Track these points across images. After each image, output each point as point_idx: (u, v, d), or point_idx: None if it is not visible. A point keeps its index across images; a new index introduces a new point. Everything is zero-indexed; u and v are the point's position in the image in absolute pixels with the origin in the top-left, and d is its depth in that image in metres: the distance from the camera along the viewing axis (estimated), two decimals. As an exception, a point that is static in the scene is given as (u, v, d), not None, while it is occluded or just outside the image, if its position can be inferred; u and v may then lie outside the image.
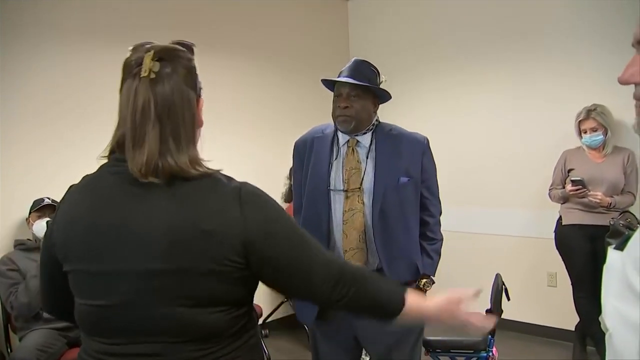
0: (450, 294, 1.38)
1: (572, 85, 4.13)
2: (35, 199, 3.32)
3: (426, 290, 2.40)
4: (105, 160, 1.19)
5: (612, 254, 0.84)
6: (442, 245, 2.47)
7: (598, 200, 3.58)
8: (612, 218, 3.43)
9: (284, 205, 4.38)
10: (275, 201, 1.22)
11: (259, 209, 1.15)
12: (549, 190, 3.96)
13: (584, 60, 4.06)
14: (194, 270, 1.09)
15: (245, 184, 1.18)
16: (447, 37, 4.87)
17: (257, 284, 1.22)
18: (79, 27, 3.74)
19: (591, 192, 3.60)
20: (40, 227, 3.13)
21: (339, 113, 2.26)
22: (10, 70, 3.45)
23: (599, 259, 3.57)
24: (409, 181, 2.29)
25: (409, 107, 5.06)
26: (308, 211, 2.33)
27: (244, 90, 4.70)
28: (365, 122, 2.29)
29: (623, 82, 0.85)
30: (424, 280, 2.39)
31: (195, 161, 1.14)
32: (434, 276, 2.43)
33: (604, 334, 0.84)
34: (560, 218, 3.89)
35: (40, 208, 3.25)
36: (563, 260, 3.87)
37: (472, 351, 2.98)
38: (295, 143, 2.48)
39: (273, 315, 4.72)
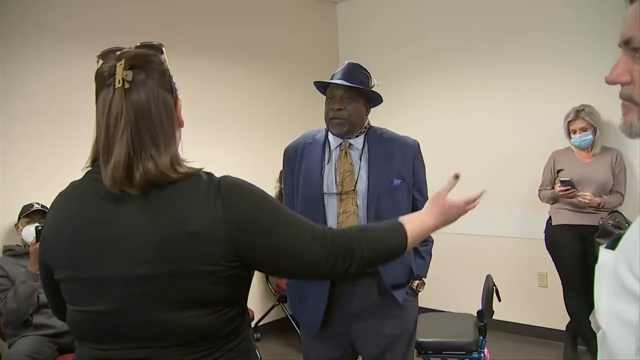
0: (432, 196, 1.45)
1: (561, 86, 4.15)
2: (24, 204, 3.29)
3: (419, 292, 2.41)
4: (89, 169, 1.19)
5: (603, 253, 0.85)
6: (432, 246, 2.48)
7: (587, 201, 3.61)
8: (601, 218, 3.46)
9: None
10: (257, 187, 1.21)
11: (239, 197, 1.15)
12: (539, 190, 3.99)
13: (573, 61, 4.09)
14: (183, 272, 1.09)
15: (225, 177, 1.18)
16: (436, 39, 4.89)
17: (250, 282, 1.22)
18: (77, 29, 3.74)
19: (580, 193, 3.63)
20: (29, 232, 3.10)
21: (333, 115, 2.26)
22: (10, 71, 3.45)
23: (589, 259, 3.60)
24: (402, 183, 2.30)
25: (399, 109, 5.07)
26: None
27: (233, 93, 4.69)
28: (358, 124, 2.30)
29: (610, 81, 0.86)
30: (417, 282, 2.39)
31: (177, 162, 1.14)
32: (425, 277, 2.43)
33: (594, 334, 0.84)
34: (550, 218, 3.92)
35: (29, 213, 3.22)
36: (553, 260, 3.89)
37: (463, 352, 2.98)
38: (286, 149, 2.48)
39: (265, 319, 4.71)
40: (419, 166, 2.40)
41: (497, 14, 4.49)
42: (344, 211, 2.26)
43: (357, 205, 2.26)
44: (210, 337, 1.14)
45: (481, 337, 3.04)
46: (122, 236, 1.10)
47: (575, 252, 3.72)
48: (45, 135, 3.60)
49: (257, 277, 4.57)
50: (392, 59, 5.17)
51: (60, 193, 1.24)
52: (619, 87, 0.86)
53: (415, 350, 3.03)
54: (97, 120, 1.14)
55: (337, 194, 2.27)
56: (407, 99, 5.08)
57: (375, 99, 2.35)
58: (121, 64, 1.10)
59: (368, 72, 2.35)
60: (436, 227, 1.40)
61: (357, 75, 2.29)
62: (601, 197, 3.65)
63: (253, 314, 4.15)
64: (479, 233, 4.66)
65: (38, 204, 3.26)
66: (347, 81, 2.24)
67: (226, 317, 1.15)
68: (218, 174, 1.20)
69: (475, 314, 3.15)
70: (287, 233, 1.17)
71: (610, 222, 3.34)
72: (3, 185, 3.40)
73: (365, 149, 2.32)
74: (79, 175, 1.24)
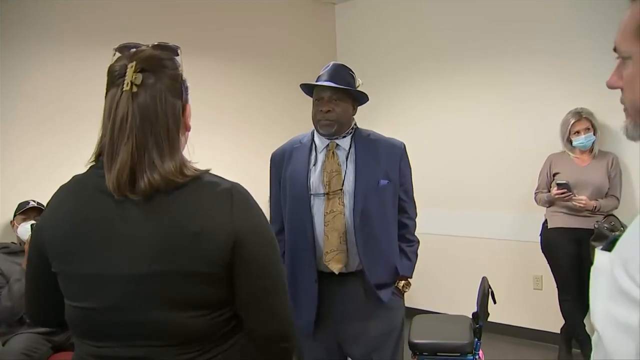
0: None
1: (559, 88, 4.16)
2: (20, 201, 3.29)
3: (404, 292, 2.43)
4: (93, 163, 1.18)
5: (600, 255, 0.85)
6: (418, 247, 2.50)
7: (582, 205, 3.62)
8: (597, 221, 3.47)
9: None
10: (260, 209, 1.21)
11: (249, 212, 1.16)
12: (535, 194, 4.00)
13: (571, 64, 4.10)
14: (184, 273, 1.09)
15: (236, 184, 1.18)
16: (434, 41, 4.90)
17: None
18: (76, 29, 3.75)
19: (576, 197, 3.64)
20: (25, 230, 3.10)
21: (321, 117, 2.29)
22: (9, 70, 3.45)
23: (584, 262, 3.61)
24: (388, 184, 2.33)
25: (397, 110, 5.09)
26: (291, 219, 2.35)
27: (231, 94, 4.69)
28: (346, 125, 2.34)
29: (609, 86, 0.89)
30: (403, 282, 2.41)
31: (183, 165, 1.13)
32: (411, 278, 2.45)
33: (589, 337, 0.85)
34: (545, 221, 3.92)
35: (25, 211, 3.22)
36: (549, 263, 3.90)
37: (458, 354, 2.99)
38: (272, 154, 2.51)
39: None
40: (405, 167, 2.43)
41: (496, 14, 4.50)
42: (330, 210, 2.28)
43: (344, 205, 2.29)
44: (206, 338, 1.14)
45: (476, 339, 3.05)
46: (123, 234, 1.10)
47: (570, 255, 3.73)
48: (43, 133, 3.60)
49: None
50: (390, 60, 5.18)
51: (61, 186, 1.23)
52: (615, 91, 0.89)
53: (410, 352, 3.04)
54: (103, 120, 1.14)
55: (324, 194, 2.29)
56: (405, 100, 5.09)
57: (361, 99, 2.39)
58: (132, 66, 1.10)
59: (353, 72, 2.38)
60: None
61: (343, 75, 2.31)
62: (597, 200, 3.66)
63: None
64: (475, 235, 4.67)
65: (34, 201, 3.25)
66: (334, 82, 2.27)
67: (223, 319, 1.15)
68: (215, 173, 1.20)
69: (471, 316, 3.15)
70: (275, 272, 1.19)
71: (606, 225, 3.36)
72: (1, 183, 3.39)
73: (352, 149, 2.35)
74: (77, 172, 1.24)
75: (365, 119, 4.56)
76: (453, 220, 4.78)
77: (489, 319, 3.23)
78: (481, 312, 3.07)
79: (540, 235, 3.95)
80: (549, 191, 3.86)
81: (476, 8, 4.60)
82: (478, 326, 3.07)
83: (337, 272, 2.30)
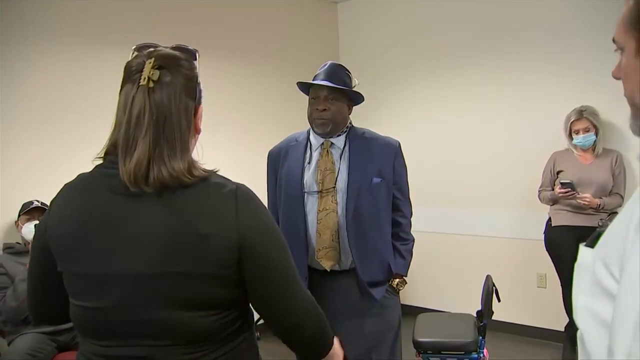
0: None
1: (563, 86, 4.15)
2: (23, 202, 3.29)
3: (399, 290, 2.43)
4: (100, 161, 1.18)
5: (583, 251, 0.85)
6: (413, 245, 2.50)
7: (587, 202, 3.61)
8: (601, 219, 3.47)
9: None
10: (267, 208, 1.23)
11: (254, 212, 1.16)
12: (538, 192, 3.99)
13: (573, 62, 4.09)
14: (190, 273, 1.09)
15: (241, 185, 1.18)
16: (437, 40, 4.89)
17: None
18: (76, 28, 3.74)
19: (580, 195, 3.63)
20: (29, 230, 3.11)
21: (317, 116, 2.32)
22: (9, 69, 3.45)
23: (588, 260, 3.59)
24: (381, 182, 2.35)
25: (400, 107, 5.08)
26: (286, 216, 2.37)
27: (233, 93, 4.69)
28: (341, 124, 2.36)
29: (613, 76, 0.89)
30: (397, 280, 2.42)
31: (192, 166, 1.14)
32: (406, 276, 2.45)
33: None
34: (549, 219, 3.92)
35: (29, 211, 3.23)
36: (552, 261, 3.90)
37: (462, 352, 2.98)
38: (269, 152, 2.54)
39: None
40: (400, 166, 2.44)
41: (498, 13, 4.49)
42: (323, 208, 2.31)
43: (336, 203, 2.31)
44: (211, 338, 1.14)
45: (480, 338, 3.05)
46: (131, 233, 1.10)
47: (574, 253, 3.63)
48: (44, 133, 3.60)
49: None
50: (392, 59, 5.17)
51: (66, 184, 1.23)
52: (616, 89, 0.89)
53: (415, 350, 3.04)
54: (118, 114, 1.14)
55: (317, 192, 2.32)
56: (408, 98, 5.08)
57: (357, 98, 2.41)
58: (150, 62, 1.11)
59: (349, 72, 2.40)
60: None
61: (339, 75, 2.34)
62: (601, 198, 3.65)
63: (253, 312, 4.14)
64: (479, 234, 4.67)
65: (38, 201, 3.26)
66: (330, 82, 2.29)
67: (228, 319, 1.16)
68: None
69: (475, 314, 3.15)
70: (285, 271, 1.20)
71: (610, 223, 3.35)
72: (3, 183, 3.40)
73: (346, 148, 2.37)
74: (78, 172, 1.24)
75: (368, 117, 4.57)
76: (456, 218, 4.78)
77: (493, 317, 3.22)
78: (485, 311, 3.07)
79: (544, 233, 3.95)
80: (553, 189, 3.85)
81: (480, 6, 4.59)
82: (482, 324, 3.07)
83: (328, 269, 2.32)
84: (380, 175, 2.34)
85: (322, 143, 2.39)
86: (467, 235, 4.74)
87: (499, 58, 4.52)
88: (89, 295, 1.13)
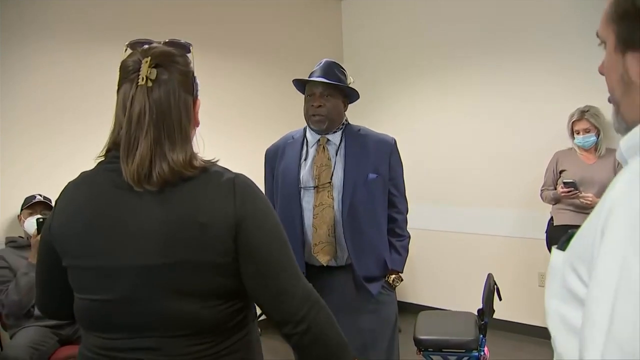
0: None
1: (563, 85, 4.15)
2: (26, 196, 3.30)
3: (395, 286, 2.44)
4: (102, 159, 1.19)
5: (554, 254, 0.83)
6: (409, 242, 2.51)
7: (589, 202, 3.61)
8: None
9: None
10: (265, 197, 1.23)
11: (251, 200, 1.16)
12: (541, 191, 3.99)
13: (573, 62, 4.08)
14: (192, 263, 1.10)
15: (239, 175, 1.19)
16: (440, 37, 4.89)
17: None
18: (75, 28, 3.74)
19: (582, 194, 3.63)
20: (30, 224, 3.11)
21: (313, 112, 2.35)
22: (9, 68, 3.45)
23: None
24: (377, 178, 2.37)
25: (403, 105, 5.08)
26: (283, 212, 2.39)
27: (237, 90, 4.69)
28: (337, 121, 2.39)
29: (599, 72, 0.91)
30: (393, 276, 2.44)
31: (192, 158, 1.15)
32: (402, 272, 2.46)
33: None
34: (551, 219, 3.92)
35: (31, 205, 3.23)
36: (554, 260, 3.89)
37: (463, 350, 2.99)
38: (267, 150, 2.58)
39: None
40: (396, 162, 2.46)
41: (498, 13, 4.48)
42: (319, 203, 2.33)
43: (332, 198, 2.33)
44: (216, 329, 1.14)
45: (481, 336, 3.05)
46: (134, 227, 1.11)
47: None
48: (44, 132, 3.59)
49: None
50: (396, 57, 5.17)
51: (70, 183, 1.24)
52: None
53: (416, 348, 3.05)
54: (117, 114, 1.15)
55: (314, 187, 2.34)
56: (411, 96, 5.08)
57: (352, 96, 2.44)
58: (147, 62, 1.12)
59: (345, 70, 2.43)
60: None
61: (335, 72, 2.37)
62: (604, 198, 3.65)
63: (255, 308, 4.15)
64: (481, 232, 4.67)
65: (40, 195, 3.26)
66: (326, 78, 2.32)
67: (233, 310, 1.16)
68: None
69: (476, 313, 3.15)
70: (282, 255, 1.18)
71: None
72: (4, 177, 3.40)
73: (342, 144, 2.40)
74: (78, 170, 1.25)
75: (371, 114, 4.57)
76: (459, 217, 4.78)
77: (494, 316, 3.23)
78: (487, 309, 3.07)
79: (546, 232, 3.95)
80: (555, 188, 3.85)
81: (486, 5, 4.58)
82: (483, 323, 3.07)
83: (325, 264, 2.34)
84: (376, 171, 2.37)
85: (319, 140, 2.42)
86: (470, 233, 4.74)
87: (499, 58, 4.52)
88: (94, 289, 1.14)
